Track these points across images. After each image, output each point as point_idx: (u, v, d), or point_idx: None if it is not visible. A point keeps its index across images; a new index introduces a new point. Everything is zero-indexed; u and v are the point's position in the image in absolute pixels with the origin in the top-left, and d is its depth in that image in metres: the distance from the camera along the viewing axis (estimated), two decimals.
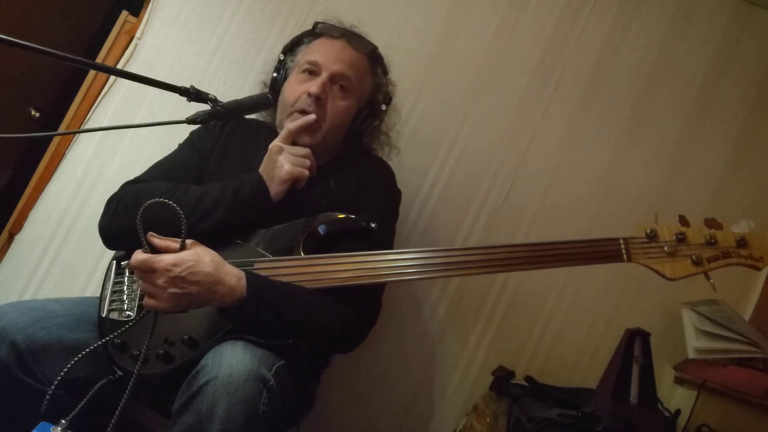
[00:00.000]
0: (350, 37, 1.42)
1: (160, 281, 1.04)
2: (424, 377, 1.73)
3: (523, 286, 1.74)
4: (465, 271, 1.17)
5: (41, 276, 1.78)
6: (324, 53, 1.37)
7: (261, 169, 1.27)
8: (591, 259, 1.16)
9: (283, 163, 1.25)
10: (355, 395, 1.72)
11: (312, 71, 1.36)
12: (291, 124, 1.30)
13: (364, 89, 1.43)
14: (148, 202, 1.05)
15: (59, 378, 1.05)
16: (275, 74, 1.45)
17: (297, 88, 1.35)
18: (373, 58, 1.45)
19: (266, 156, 1.28)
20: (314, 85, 1.32)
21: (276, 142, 1.28)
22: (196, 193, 1.24)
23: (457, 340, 1.74)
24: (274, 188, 1.25)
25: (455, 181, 1.78)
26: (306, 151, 1.29)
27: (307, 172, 1.27)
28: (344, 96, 1.37)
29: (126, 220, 1.22)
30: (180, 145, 1.46)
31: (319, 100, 1.32)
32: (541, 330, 1.72)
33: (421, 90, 1.81)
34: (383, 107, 1.48)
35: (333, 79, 1.35)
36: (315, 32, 1.45)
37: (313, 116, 1.31)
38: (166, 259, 1.05)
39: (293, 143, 1.31)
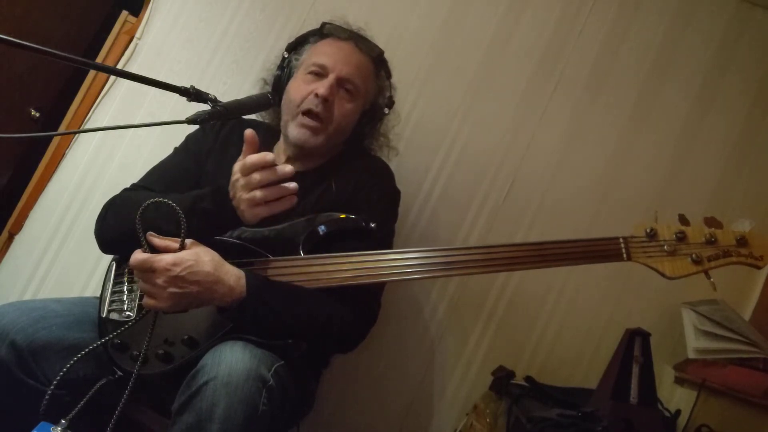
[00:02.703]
0: (358, 39, 1.42)
1: (160, 281, 1.04)
2: (424, 377, 1.73)
3: (523, 286, 1.74)
4: (465, 271, 1.17)
5: (41, 276, 1.78)
6: (332, 56, 1.37)
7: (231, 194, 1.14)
8: (591, 259, 1.15)
9: (244, 207, 1.11)
10: (355, 395, 1.72)
11: (319, 73, 1.35)
12: (253, 157, 1.09)
13: (369, 93, 1.43)
14: (147, 201, 1.05)
15: (58, 378, 1.05)
16: (278, 72, 1.45)
17: (304, 88, 1.34)
18: (378, 62, 1.46)
19: (231, 183, 1.13)
20: (322, 87, 1.32)
21: (237, 170, 1.11)
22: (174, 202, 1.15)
23: (457, 340, 1.74)
24: (247, 217, 1.12)
25: (455, 181, 1.78)
26: (257, 194, 1.09)
27: (266, 211, 1.11)
28: (350, 99, 1.37)
29: (113, 226, 1.25)
30: (175, 149, 1.46)
31: (326, 101, 1.32)
32: (541, 330, 1.72)
33: (421, 90, 1.81)
34: (386, 111, 1.48)
35: (340, 82, 1.35)
36: (322, 32, 1.45)
37: (294, 186, 1.11)
38: (166, 258, 1.05)
39: (298, 146, 1.31)
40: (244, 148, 1.12)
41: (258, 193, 1.09)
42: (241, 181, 1.10)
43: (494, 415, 1.49)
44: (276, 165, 1.10)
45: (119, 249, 1.27)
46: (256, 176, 1.09)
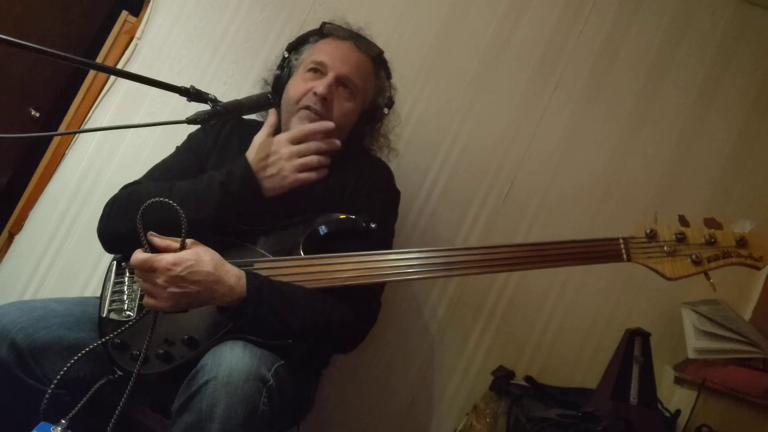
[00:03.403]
0: (357, 39, 1.42)
1: (160, 280, 1.04)
2: (424, 377, 1.73)
3: (523, 286, 1.73)
4: (465, 271, 1.17)
5: (41, 276, 1.78)
6: (331, 54, 1.37)
7: (252, 160, 1.26)
8: (591, 259, 1.16)
9: (287, 173, 1.26)
10: (355, 395, 1.72)
11: (318, 70, 1.36)
12: (310, 125, 1.30)
13: (368, 92, 1.43)
14: (148, 201, 1.05)
15: (58, 378, 1.05)
16: (279, 72, 1.45)
17: (302, 86, 1.34)
18: (378, 62, 1.45)
19: (266, 149, 1.28)
20: (321, 85, 1.32)
21: (284, 141, 1.28)
22: (182, 189, 1.23)
23: (457, 340, 1.74)
24: (269, 187, 1.26)
25: (455, 180, 1.78)
26: (314, 158, 1.29)
27: (314, 176, 1.29)
28: (349, 97, 1.37)
29: (119, 223, 1.24)
30: (177, 148, 1.46)
31: (325, 100, 1.32)
32: (541, 330, 1.72)
33: (421, 89, 1.81)
34: (385, 111, 1.48)
35: (338, 80, 1.35)
36: (322, 32, 1.45)
37: (331, 124, 1.31)
38: (166, 258, 1.05)
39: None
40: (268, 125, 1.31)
41: (314, 158, 1.28)
42: (290, 149, 1.26)
43: (494, 415, 1.49)
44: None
45: (124, 247, 1.26)
46: (312, 145, 1.29)
